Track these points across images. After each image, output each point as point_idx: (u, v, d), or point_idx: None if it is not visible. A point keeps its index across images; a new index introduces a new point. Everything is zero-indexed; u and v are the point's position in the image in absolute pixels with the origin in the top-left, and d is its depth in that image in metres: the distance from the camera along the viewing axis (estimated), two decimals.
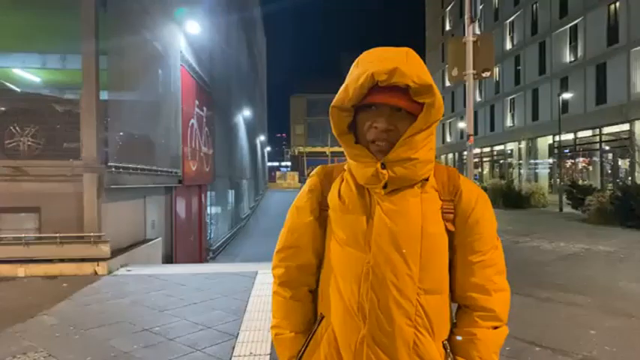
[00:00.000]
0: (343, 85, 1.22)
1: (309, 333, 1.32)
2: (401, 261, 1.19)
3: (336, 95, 1.23)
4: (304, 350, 1.31)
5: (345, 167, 1.33)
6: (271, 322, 1.41)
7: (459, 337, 1.27)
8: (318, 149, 70.58)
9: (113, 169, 7.27)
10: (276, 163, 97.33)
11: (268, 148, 70.42)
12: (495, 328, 1.27)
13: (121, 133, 8.20)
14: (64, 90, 11.62)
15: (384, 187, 1.21)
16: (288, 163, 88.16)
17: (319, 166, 1.41)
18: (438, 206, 1.25)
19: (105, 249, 6.81)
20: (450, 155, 51.74)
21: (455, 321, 1.32)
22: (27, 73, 12.24)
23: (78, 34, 7.22)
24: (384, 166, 1.19)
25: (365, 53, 1.24)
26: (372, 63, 1.17)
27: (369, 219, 1.23)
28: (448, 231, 1.25)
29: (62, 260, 6.69)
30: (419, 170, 1.21)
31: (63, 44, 10.22)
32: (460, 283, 1.29)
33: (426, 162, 1.22)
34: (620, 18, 24.71)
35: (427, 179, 1.26)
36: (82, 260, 6.73)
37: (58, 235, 6.72)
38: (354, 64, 1.24)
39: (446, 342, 1.26)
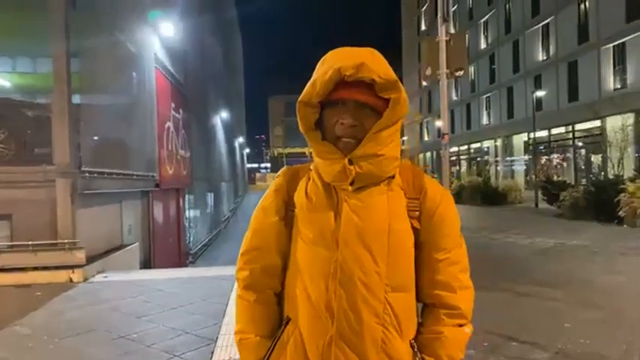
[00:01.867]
0: (310, 81, 1.23)
1: (275, 337, 1.30)
2: (369, 258, 1.19)
3: (303, 90, 1.24)
4: (269, 354, 1.29)
5: (312, 167, 1.33)
6: (235, 327, 1.38)
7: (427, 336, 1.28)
8: (298, 150, 70.59)
9: (87, 174, 7.13)
10: (255, 165, 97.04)
11: (247, 150, 70.12)
12: (461, 325, 1.28)
13: (95, 137, 8.06)
14: (35, 94, 11.35)
15: (351, 183, 1.21)
16: (268, 165, 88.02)
17: (285, 167, 1.41)
18: (404, 204, 1.26)
19: (80, 256, 6.67)
20: (428, 154, 52.23)
21: (420, 320, 1.32)
22: None
23: (48, 36, 7.07)
24: (351, 162, 1.19)
25: (331, 52, 1.26)
26: (339, 59, 1.19)
27: (337, 216, 1.22)
28: (414, 229, 1.26)
29: (36, 268, 6.53)
30: (385, 167, 1.22)
31: (33, 47, 9.99)
32: (426, 281, 1.29)
33: (392, 159, 1.23)
34: (590, 16, 25.27)
35: (393, 177, 1.27)
36: (57, 268, 6.58)
37: (30, 242, 6.57)
38: (320, 62, 1.25)
39: (413, 341, 1.26)
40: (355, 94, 1.19)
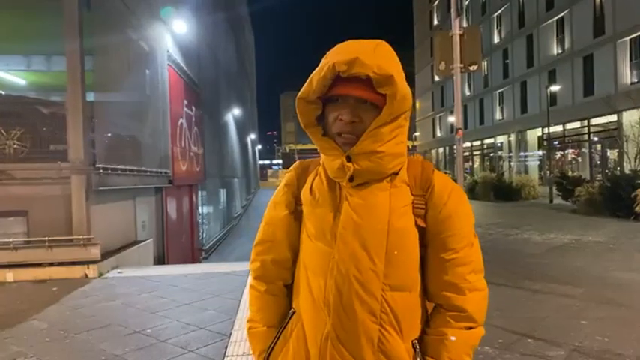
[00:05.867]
0: (309, 77, 1.20)
1: (280, 327, 1.33)
2: (365, 256, 1.17)
3: (302, 87, 1.22)
4: (274, 345, 1.31)
5: (321, 162, 1.32)
6: (247, 316, 1.42)
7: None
8: (309, 146, 70.72)
9: (101, 171, 7.20)
10: (267, 162, 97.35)
11: (259, 147, 70.35)
12: (469, 328, 1.23)
13: (109, 134, 8.13)
14: (50, 92, 11.48)
15: (351, 180, 1.19)
16: (280, 161, 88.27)
17: (297, 162, 1.42)
18: (409, 201, 1.22)
19: (95, 251, 6.74)
20: (441, 150, 51.90)
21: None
22: (11, 76, 12.07)
23: (62, 34, 7.13)
24: (349, 159, 1.17)
25: (336, 46, 1.23)
26: (335, 55, 1.16)
27: (337, 213, 1.21)
28: (419, 227, 1.22)
29: (52, 264, 6.61)
30: (386, 164, 1.19)
31: (48, 45, 10.09)
32: (433, 282, 1.25)
33: (395, 156, 1.19)
34: (606, 10, 24.87)
35: (397, 173, 1.23)
36: (72, 263, 6.66)
37: (47, 238, 6.65)
38: (324, 57, 1.23)
39: (415, 341, 1.23)
40: (352, 90, 1.15)
